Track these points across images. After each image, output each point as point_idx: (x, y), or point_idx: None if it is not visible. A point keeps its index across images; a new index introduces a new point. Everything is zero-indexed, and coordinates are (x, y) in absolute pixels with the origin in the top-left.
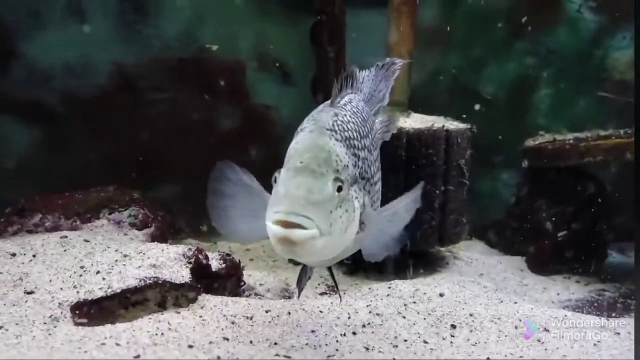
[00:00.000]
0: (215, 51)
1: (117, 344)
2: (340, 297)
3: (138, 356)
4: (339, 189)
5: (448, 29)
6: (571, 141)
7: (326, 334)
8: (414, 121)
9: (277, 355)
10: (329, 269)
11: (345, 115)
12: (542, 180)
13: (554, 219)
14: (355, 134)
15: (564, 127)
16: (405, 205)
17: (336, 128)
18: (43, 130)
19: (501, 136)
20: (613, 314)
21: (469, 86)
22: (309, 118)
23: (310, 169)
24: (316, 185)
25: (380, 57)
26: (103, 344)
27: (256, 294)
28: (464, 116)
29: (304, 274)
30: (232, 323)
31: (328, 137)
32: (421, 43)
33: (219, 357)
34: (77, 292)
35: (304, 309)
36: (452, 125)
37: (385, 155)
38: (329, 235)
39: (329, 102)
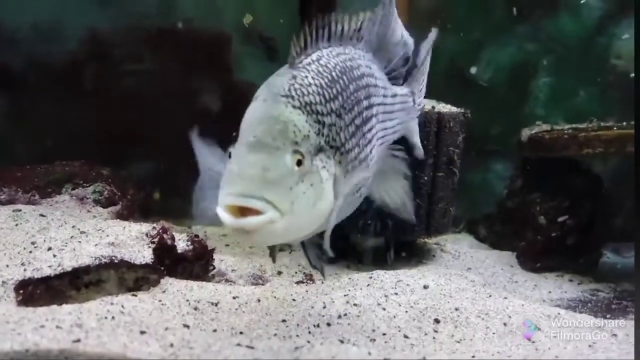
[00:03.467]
0: (195, 22)
1: (58, 327)
2: (322, 274)
3: (78, 340)
4: (299, 163)
5: (445, 9)
6: (570, 131)
7: (298, 324)
8: None
9: (239, 344)
10: (303, 244)
11: (306, 77)
12: (537, 172)
13: (547, 213)
14: (318, 98)
15: (562, 118)
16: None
17: (293, 93)
18: (7, 97)
19: (496, 125)
20: (608, 315)
21: (465, 71)
22: (264, 84)
23: (263, 143)
24: (271, 162)
25: None
26: (42, 326)
27: (227, 280)
28: (458, 103)
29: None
30: (195, 309)
31: (283, 105)
32: (417, 23)
33: (172, 345)
34: (25, 269)
35: (275, 297)
36: (445, 108)
37: None
38: (291, 215)
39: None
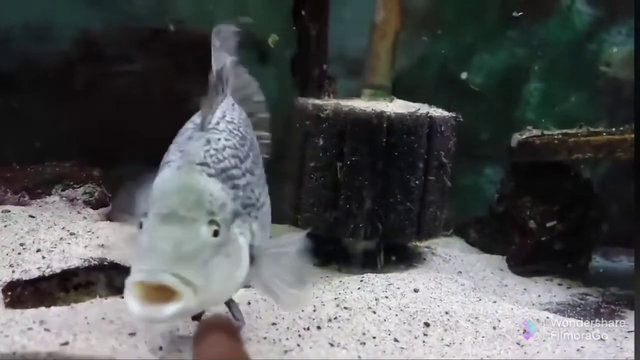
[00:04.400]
0: (187, 23)
1: (46, 330)
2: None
3: (66, 343)
4: (216, 234)
5: (438, 13)
6: (560, 136)
7: (288, 328)
8: (397, 107)
9: None
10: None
11: (220, 139)
12: (528, 177)
13: (538, 217)
14: (233, 161)
15: (553, 123)
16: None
17: (209, 161)
18: None
19: (487, 130)
20: (596, 319)
21: (457, 75)
22: (175, 147)
23: (178, 215)
24: (186, 235)
25: (365, 36)
26: (30, 328)
27: None
28: (449, 108)
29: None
30: None
31: (198, 173)
32: (409, 27)
33: (161, 348)
34: (13, 271)
35: (265, 300)
36: (437, 112)
37: (364, 141)
38: (206, 291)
39: (197, 119)
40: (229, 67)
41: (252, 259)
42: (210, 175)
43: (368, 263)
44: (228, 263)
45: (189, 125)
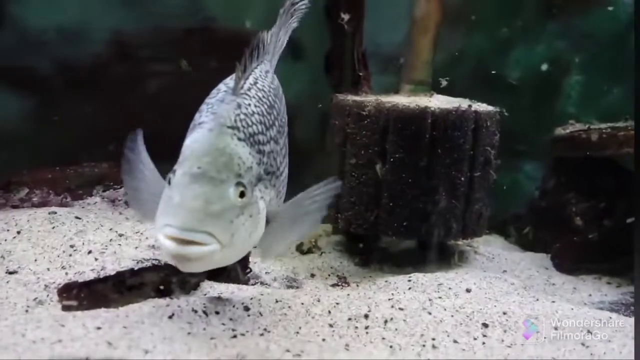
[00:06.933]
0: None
1: (105, 332)
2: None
3: (124, 347)
4: (242, 195)
5: (474, 7)
6: (608, 130)
7: (347, 328)
8: (438, 102)
9: (287, 350)
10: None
11: (250, 105)
12: (572, 172)
13: (584, 214)
14: (260, 127)
15: (595, 117)
16: (313, 198)
17: (239, 124)
18: (33, 99)
19: (525, 124)
20: None
21: (494, 69)
22: (207, 108)
23: (208, 175)
24: (215, 194)
25: (398, 31)
26: (88, 330)
27: (262, 283)
28: (487, 102)
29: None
30: (240, 311)
31: (230, 137)
32: (443, 21)
33: (215, 346)
34: (66, 273)
35: (319, 300)
36: (481, 107)
37: (407, 137)
38: (230, 247)
39: (230, 82)
40: (274, 34)
41: (267, 222)
42: (239, 139)
43: (411, 262)
44: (249, 223)
45: (221, 87)
